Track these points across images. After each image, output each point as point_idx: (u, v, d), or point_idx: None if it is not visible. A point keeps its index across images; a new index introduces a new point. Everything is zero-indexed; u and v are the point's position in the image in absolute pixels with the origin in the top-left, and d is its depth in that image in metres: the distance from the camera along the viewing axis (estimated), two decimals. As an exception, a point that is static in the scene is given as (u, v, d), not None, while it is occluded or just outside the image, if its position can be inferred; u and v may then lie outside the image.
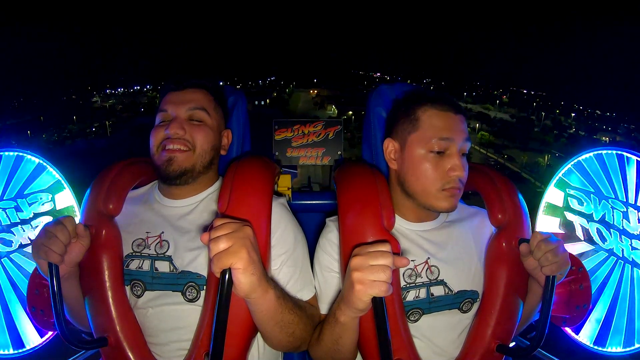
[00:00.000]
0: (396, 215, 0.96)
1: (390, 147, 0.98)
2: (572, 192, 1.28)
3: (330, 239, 0.96)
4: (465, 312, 0.93)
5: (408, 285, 0.91)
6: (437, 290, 0.92)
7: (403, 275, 0.92)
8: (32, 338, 1.21)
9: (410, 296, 0.91)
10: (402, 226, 0.98)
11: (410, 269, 0.93)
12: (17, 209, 1.23)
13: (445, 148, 0.90)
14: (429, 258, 0.94)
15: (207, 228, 0.71)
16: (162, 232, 0.94)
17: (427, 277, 0.92)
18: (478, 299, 0.94)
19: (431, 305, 0.91)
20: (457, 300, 0.92)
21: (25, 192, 1.24)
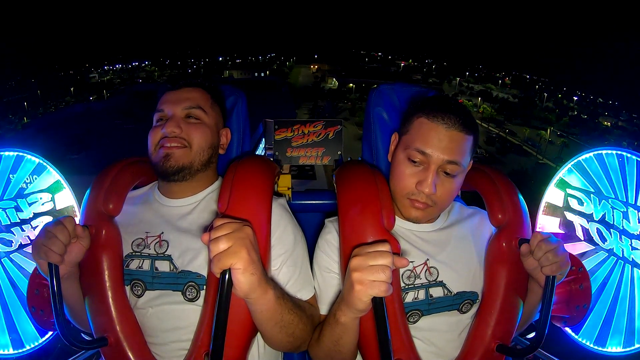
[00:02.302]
0: (396, 216, 0.96)
1: (394, 140, 0.99)
2: (572, 192, 1.28)
3: (328, 240, 0.96)
4: (464, 312, 0.93)
5: (407, 287, 0.91)
6: (436, 292, 0.92)
7: (402, 277, 0.92)
8: (32, 338, 1.21)
9: (409, 297, 0.91)
10: (401, 227, 0.97)
11: (409, 270, 0.92)
12: (17, 209, 1.23)
13: (422, 161, 0.88)
14: (428, 259, 0.93)
15: (207, 228, 0.71)
16: (162, 232, 0.94)
17: (426, 279, 0.92)
18: (478, 300, 0.94)
19: (430, 306, 0.91)
20: (456, 302, 0.92)
21: (25, 192, 1.24)
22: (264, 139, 1.46)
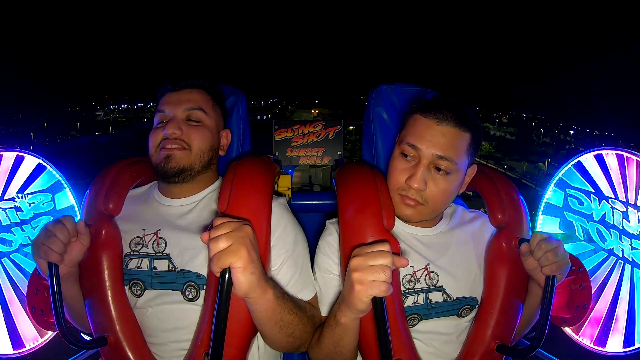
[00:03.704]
0: (397, 220, 0.95)
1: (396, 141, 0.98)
2: (572, 192, 1.28)
3: (329, 242, 0.96)
4: (463, 317, 0.93)
5: (407, 291, 0.91)
6: (436, 297, 0.91)
7: (402, 281, 0.91)
8: (32, 338, 1.21)
9: (409, 302, 0.91)
10: (403, 230, 0.97)
11: (409, 274, 0.92)
12: (17, 209, 1.23)
13: (414, 156, 0.88)
14: (428, 264, 0.93)
15: (207, 227, 0.71)
16: (159, 230, 0.94)
17: (426, 283, 0.92)
18: (477, 305, 0.94)
19: (429, 311, 0.91)
20: (455, 307, 0.92)
21: (25, 192, 1.24)
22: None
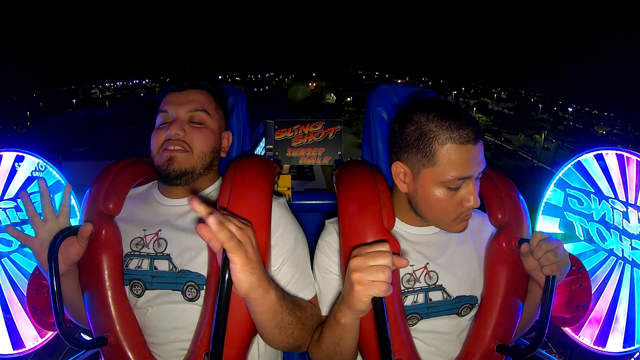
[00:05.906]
0: (396, 219, 0.95)
1: (400, 171, 0.90)
2: (572, 192, 1.28)
3: (328, 242, 0.96)
4: (463, 316, 0.93)
5: (406, 290, 0.91)
6: (436, 296, 0.91)
7: (402, 280, 0.91)
8: (32, 338, 1.21)
9: (409, 301, 0.90)
10: (402, 230, 0.97)
11: (409, 273, 0.92)
12: (17, 209, 1.23)
13: (462, 181, 0.85)
14: (427, 263, 0.93)
15: (201, 220, 0.65)
16: (160, 230, 0.94)
17: (426, 282, 0.92)
18: (477, 304, 0.94)
19: (429, 310, 0.91)
20: (455, 306, 0.92)
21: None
22: (263, 139, 1.47)
